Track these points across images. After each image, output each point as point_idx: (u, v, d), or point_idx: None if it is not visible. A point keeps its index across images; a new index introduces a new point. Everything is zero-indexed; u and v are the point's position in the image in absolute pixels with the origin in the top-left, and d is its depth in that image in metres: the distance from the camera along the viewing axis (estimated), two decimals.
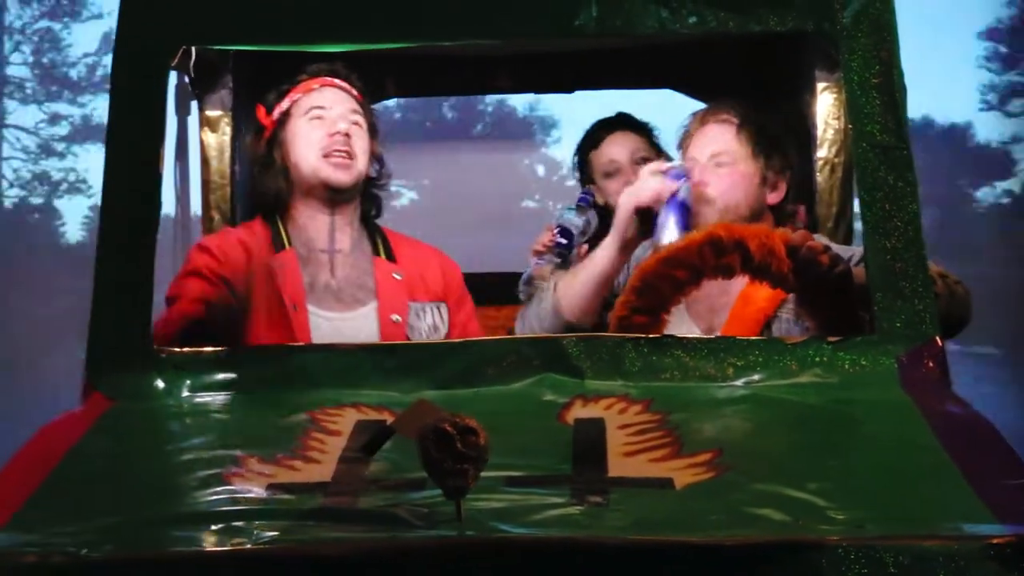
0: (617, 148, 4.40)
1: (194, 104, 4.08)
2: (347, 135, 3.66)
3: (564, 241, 3.97)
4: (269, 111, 3.76)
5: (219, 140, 4.07)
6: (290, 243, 3.67)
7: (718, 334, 3.40)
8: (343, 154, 3.65)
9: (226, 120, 4.07)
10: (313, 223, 3.70)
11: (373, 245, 3.75)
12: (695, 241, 3.19)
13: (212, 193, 4.07)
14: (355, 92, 3.78)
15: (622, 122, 4.49)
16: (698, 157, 3.66)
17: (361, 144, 3.70)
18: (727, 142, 3.65)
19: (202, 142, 4.07)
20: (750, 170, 3.65)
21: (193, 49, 3.73)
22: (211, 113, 4.07)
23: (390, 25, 3.20)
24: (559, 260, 3.93)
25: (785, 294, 3.45)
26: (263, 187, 3.74)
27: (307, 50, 3.58)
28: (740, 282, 3.39)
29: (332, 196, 3.68)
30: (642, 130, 4.46)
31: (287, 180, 3.71)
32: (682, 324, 3.47)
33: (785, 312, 3.50)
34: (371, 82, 4.24)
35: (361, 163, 3.69)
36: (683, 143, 3.74)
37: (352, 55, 3.66)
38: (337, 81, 3.76)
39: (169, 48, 3.16)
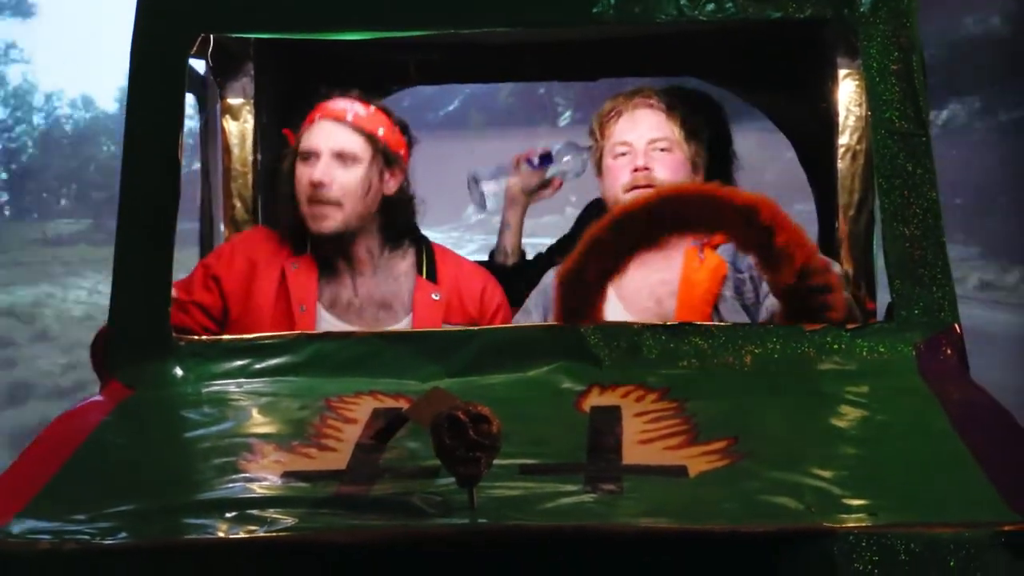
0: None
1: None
2: (321, 184, 3.57)
3: (536, 162, 4.04)
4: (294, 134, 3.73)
5: (240, 128, 4.06)
6: (311, 249, 3.67)
7: (671, 321, 3.34)
8: (320, 204, 3.59)
9: (248, 108, 4.06)
10: (330, 244, 3.67)
11: (417, 262, 3.72)
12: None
13: (233, 181, 4.06)
14: (361, 112, 3.66)
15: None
16: (634, 142, 3.65)
17: (349, 181, 3.59)
18: (663, 127, 3.67)
19: (223, 130, 4.06)
20: (685, 155, 3.67)
21: (212, 37, 3.73)
22: (232, 101, 4.05)
23: (410, 13, 3.21)
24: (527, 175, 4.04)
25: (725, 271, 3.50)
26: (284, 212, 3.73)
27: (326, 38, 3.57)
28: (677, 269, 3.48)
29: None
30: None
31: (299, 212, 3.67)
32: (616, 316, 3.43)
33: (727, 290, 3.49)
34: (393, 69, 4.25)
35: (348, 207, 3.59)
36: (604, 123, 3.73)
37: (374, 41, 3.66)
38: (337, 106, 3.66)
39: (187, 36, 3.16)
